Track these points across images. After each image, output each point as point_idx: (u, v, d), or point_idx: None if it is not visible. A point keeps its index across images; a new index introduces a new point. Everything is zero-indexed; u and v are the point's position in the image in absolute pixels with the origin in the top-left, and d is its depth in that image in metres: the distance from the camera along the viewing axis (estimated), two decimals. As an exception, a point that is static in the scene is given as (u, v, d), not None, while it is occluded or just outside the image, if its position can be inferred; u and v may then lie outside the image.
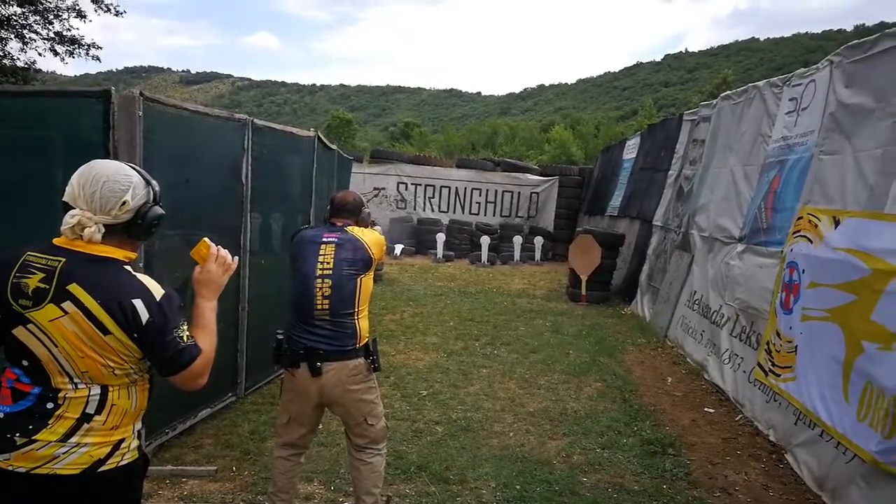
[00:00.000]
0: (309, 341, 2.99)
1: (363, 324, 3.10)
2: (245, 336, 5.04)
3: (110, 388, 1.76)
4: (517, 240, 15.47)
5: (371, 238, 3.18)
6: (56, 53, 20.04)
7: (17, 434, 1.69)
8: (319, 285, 3.00)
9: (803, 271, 4.56)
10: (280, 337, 3.12)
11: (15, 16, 18.69)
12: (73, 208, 1.73)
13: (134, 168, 1.85)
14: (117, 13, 20.38)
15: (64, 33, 19.80)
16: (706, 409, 5.44)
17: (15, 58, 19.30)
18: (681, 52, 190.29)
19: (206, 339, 1.89)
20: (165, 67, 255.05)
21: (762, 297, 5.28)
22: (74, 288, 1.68)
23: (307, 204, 6.26)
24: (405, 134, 59.24)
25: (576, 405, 5.38)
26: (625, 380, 6.12)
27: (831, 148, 4.64)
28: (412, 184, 17.11)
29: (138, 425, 1.88)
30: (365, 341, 3.11)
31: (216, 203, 4.65)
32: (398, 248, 15.22)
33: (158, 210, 1.86)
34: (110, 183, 1.75)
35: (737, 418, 5.19)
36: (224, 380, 4.87)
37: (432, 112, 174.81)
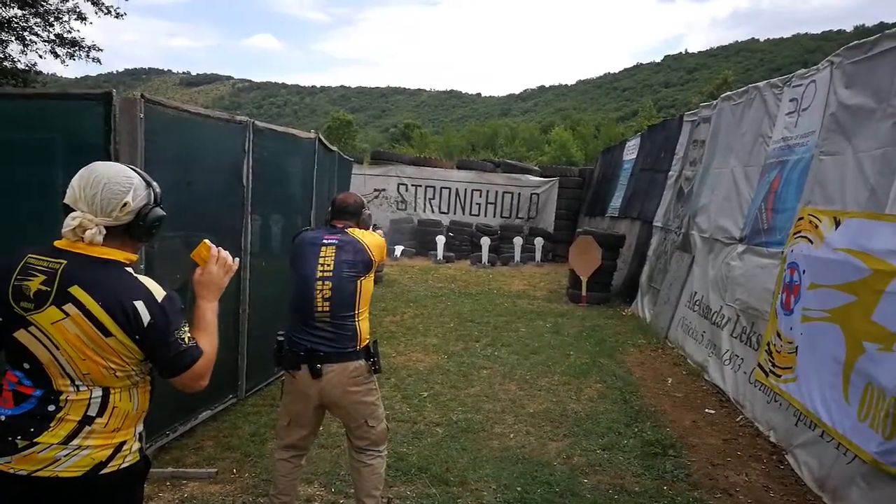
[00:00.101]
0: (309, 343, 2.99)
1: (364, 326, 3.10)
2: (245, 338, 5.04)
3: (112, 391, 1.77)
4: (517, 241, 15.47)
5: (371, 240, 3.18)
6: (57, 56, 20.02)
7: (19, 437, 1.69)
8: (320, 287, 3.00)
9: (804, 272, 4.56)
10: (281, 339, 3.12)
11: (15, 18, 18.68)
12: (74, 211, 1.73)
13: (134, 170, 1.85)
14: (117, 15, 20.36)
15: (64, 35, 19.78)
16: (707, 410, 5.43)
17: (16, 60, 19.29)
18: (681, 52, 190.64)
19: (208, 340, 1.90)
20: (166, 69, 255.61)
21: (763, 297, 5.28)
22: (76, 290, 1.68)
23: (308, 206, 6.26)
24: (405, 135, 59.22)
25: (576, 406, 5.38)
26: (625, 381, 6.12)
27: (832, 148, 4.64)
28: (412, 185, 17.11)
29: (140, 427, 1.89)
30: (366, 343, 3.11)
31: (217, 205, 4.66)
32: (398, 249, 15.23)
33: (159, 212, 1.86)
34: (111, 185, 1.75)
35: (737, 419, 5.19)
36: (224, 381, 4.87)
37: (432, 113, 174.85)
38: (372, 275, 3.16)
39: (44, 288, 1.68)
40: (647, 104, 65.70)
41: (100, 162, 1.82)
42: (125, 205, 1.76)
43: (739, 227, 6.21)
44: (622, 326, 8.68)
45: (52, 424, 1.70)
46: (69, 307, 1.67)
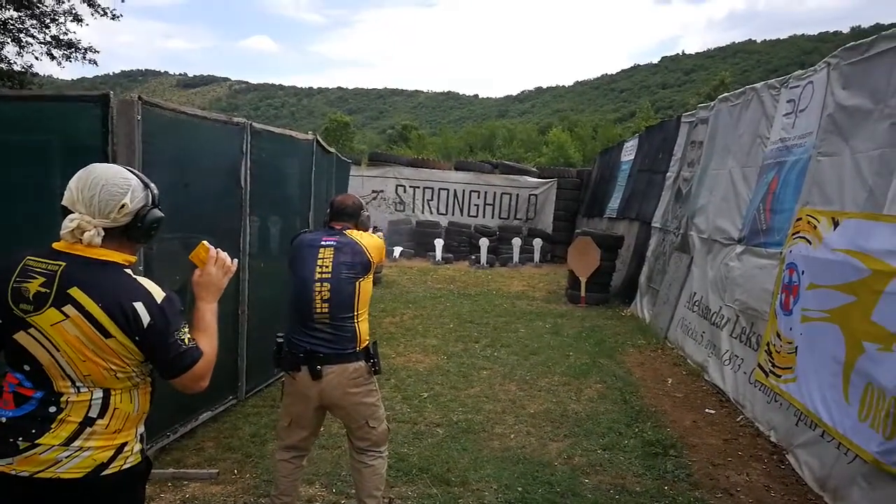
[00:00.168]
0: (309, 344, 2.99)
1: (363, 327, 3.10)
2: (245, 339, 5.03)
3: (112, 392, 1.76)
4: (516, 242, 15.48)
5: (370, 241, 3.18)
6: (53, 57, 20.02)
7: (20, 438, 1.69)
8: (318, 289, 3.00)
9: (803, 272, 4.57)
10: (280, 340, 3.12)
11: (11, 20, 18.67)
12: (72, 212, 1.73)
13: (132, 171, 1.85)
14: (114, 17, 20.36)
15: (61, 37, 19.78)
16: (707, 410, 5.43)
17: (12, 62, 19.28)
18: (678, 54, 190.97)
19: (208, 341, 1.89)
20: (162, 71, 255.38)
21: (762, 298, 5.29)
22: (75, 291, 1.68)
23: (306, 207, 6.26)
24: (403, 137, 59.29)
25: (576, 407, 5.38)
26: (625, 381, 6.12)
27: (829, 149, 4.65)
28: (410, 186, 17.11)
29: (141, 429, 1.88)
30: (365, 344, 3.11)
31: (215, 206, 4.65)
32: (397, 250, 15.23)
33: (157, 213, 1.86)
34: (109, 186, 1.75)
35: (738, 419, 5.19)
36: (224, 382, 4.87)
37: (430, 115, 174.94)
38: (371, 276, 3.15)
39: (43, 290, 1.68)
40: (644, 105, 65.80)
41: (97, 164, 1.82)
42: (123, 206, 1.76)
43: (738, 228, 6.21)
44: (621, 327, 8.68)
45: (53, 426, 1.70)
46: (69, 309, 1.67)
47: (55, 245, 1.75)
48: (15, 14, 18.59)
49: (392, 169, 17.27)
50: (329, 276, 3.01)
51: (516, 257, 15.31)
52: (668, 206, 9.21)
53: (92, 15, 19.97)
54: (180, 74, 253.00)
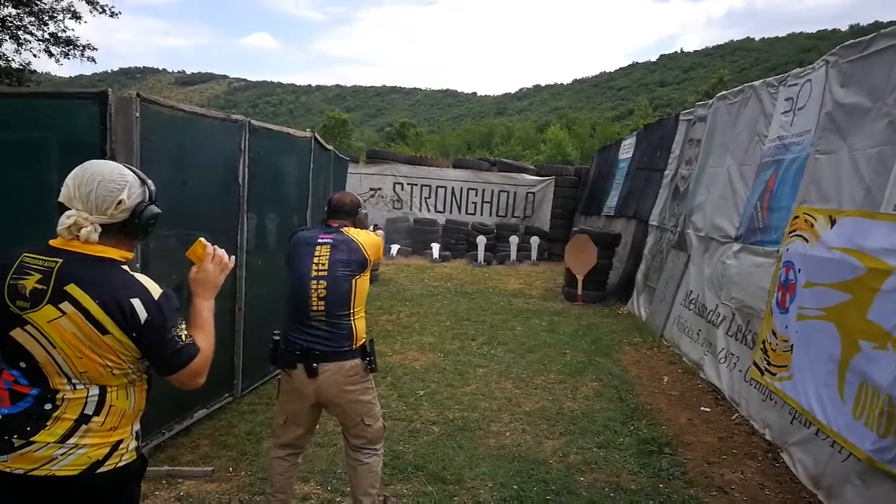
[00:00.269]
0: (305, 342, 2.99)
1: (360, 324, 3.10)
2: (241, 336, 5.03)
3: (109, 389, 1.76)
4: (513, 240, 15.48)
5: (366, 239, 3.18)
6: (51, 55, 20.00)
7: (15, 436, 1.68)
8: (315, 286, 3.00)
9: (799, 270, 4.58)
10: (277, 338, 3.12)
11: (10, 17, 18.63)
12: (69, 209, 1.73)
13: (129, 168, 1.85)
14: (112, 14, 20.33)
15: (59, 34, 19.76)
16: (702, 408, 5.45)
17: (10, 59, 19.26)
18: (676, 51, 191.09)
19: (204, 338, 1.89)
20: (161, 68, 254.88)
21: (758, 296, 5.30)
22: (72, 288, 1.67)
23: (304, 205, 6.26)
24: (401, 134, 59.29)
25: (572, 405, 5.39)
26: (621, 379, 6.13)
27: (827, 147, 4.66)
28: (408, 184, 17.10)
29: (136, 426, 1.88)
30: (362, 342, 3.11)
31: (213, 203, 4.65)
32: (395, 248, 15.22)
33: (154, 209, 1.85)
34: (106, 182, 1.75)
35: (733, 417, 5.20)
36: (220, 380, 4.86)
37: (428, 112, 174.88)
38: (367, 274, 3.15)
39: (40, 286, 1.68)
40: (642, 103, 65.79)
41: (94, 160, 1.82)
42: (120, 202, 1.75)
43: (735, 226, 6.22)
44: (618, 325, 8.69)
45: (48, 423, 1.70)
46: (66, 305, 1.67)
47: (52, 242, 1.74)
48: (13, 11, 18.56)
49: (390, 166, 17.26)
50: (325, 273, 3.01)
51: (514, 255, 15.32)
52: (665, 204, 9.22)
53: (90, 12, 19.98)
54: (178, 72, 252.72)
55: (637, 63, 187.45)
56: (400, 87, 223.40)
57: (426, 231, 16.06)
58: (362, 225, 3.33)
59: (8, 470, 1.68)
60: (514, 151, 44.49)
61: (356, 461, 3.20)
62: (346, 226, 3.21)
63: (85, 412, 1.73)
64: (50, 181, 3.39)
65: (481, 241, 14.99)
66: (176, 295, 1.84)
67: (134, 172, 1.83)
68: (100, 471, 1.74)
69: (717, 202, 6.91)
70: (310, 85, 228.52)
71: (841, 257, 4.02)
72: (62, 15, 19.47)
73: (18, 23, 18.88)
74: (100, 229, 1.74)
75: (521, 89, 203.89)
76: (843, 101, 4.56)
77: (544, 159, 37.06)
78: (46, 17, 19.26)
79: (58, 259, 1.71)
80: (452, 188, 17.15)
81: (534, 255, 15.54)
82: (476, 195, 17.18)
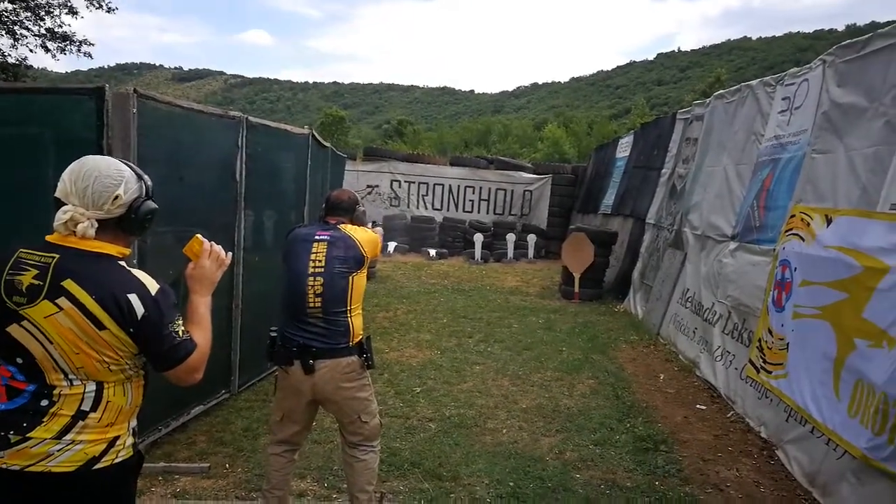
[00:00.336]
0: (302, 339, 2.99)
1: (356, 321, 3.10)
2: (238, 333, 5.03)
3: (106, 385, 1.76)
4: (510, 237, 15.49)
5: (363, 236, 3.18)
6: (47, 50, 19.94)
7: (12, 432, 1.68)
8: (311, 283, 3.00)
9: (795, 269, 4.59)
10: (273, 334, 3.12)
11: (6, 12, 18.58)
12: (66, 204, 1.72)
13: (125, 163, 1.84)
14: (109, 10, 20.29)
15: (55, 30, 19.71)
16: (698, 405, 5.46)
17: (6, 54, 19.21)
18: (673, 50, 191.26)
19: (202, 334, 1.89)
20: (157, 64, 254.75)
21: (754, 294, 5.31)
22: (69, 284, 1.67)
23: (301, 201, 6.25)
24: (398, 132, 59.26)
25: (569, 402, 5.40)
26: (617, 377, 6.14)
27: (824, 147, 4.67)
28: (406, 181, 17.08)
29: (133, 422, 1.88)
30: (358, 339, 3.11)
31: (210, 200, 4.64)
32: (392, 245, 15.21)
33: (151, 204, 1.85)
34: (102, 178, 1.74)
35: (728, 415, 5.21)
36: (217, 376, 4.86)
37: (425, 110, 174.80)
38: (364, 271, 3.15)
39: (36, 282, 1.67)
40: (639, 102, 65.93)
41: (91, 155, 1.81)
42: (117, 198, 1.75)
43: (731, 225, 6.23)
44: (614, 323, 8.70)
45: (45, 419, 1.69)
46: (62, 301, 1.67)
47: (48, 237, 1.74)
48: (9, 6, 18.50)
49: (387, 164, 17.24)
50: (322, 270, 3.01)
51: (511, 253, 15.33)
52: (662, 202, 9.23)
53: (87, 7, 19.93)
54: (175, 68, 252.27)
55: (634, 62, 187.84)
56: (397, 85, 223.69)
57: (423, 228, 16.06)
58: (360, 222, 3.33)
59: (4, 466, 1.67)
60: (512, 149, 44.52)
61: (353, 458, 3.20)
62: (343, 223, 3.21)
63: (82, 408, 1.72)
64: (46, 177, 3.38)
65: (478, 238, 14.99)
66: (173, 291, 1.84)
67: (130, 168, 1.83)
68: (96, 467, 1.74)
69: (713, 201, 6.92)
70: (307, 82, 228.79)
71: (837, 256, 4.04)
72: (59, 10, 19.44)
73: (15, 18, 18.83)
74: (96, 225, 1.74)
75: (518, 87, 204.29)
76: (839, 100, 4.57)
77: (541, 157, 37.10)
78: (43, 13, 19.21)
79: (54, 254, 1.70)
80: (450, 186, 17.14)
81: (531, 252, 15.56)
82: (473, 193, 17.17)
